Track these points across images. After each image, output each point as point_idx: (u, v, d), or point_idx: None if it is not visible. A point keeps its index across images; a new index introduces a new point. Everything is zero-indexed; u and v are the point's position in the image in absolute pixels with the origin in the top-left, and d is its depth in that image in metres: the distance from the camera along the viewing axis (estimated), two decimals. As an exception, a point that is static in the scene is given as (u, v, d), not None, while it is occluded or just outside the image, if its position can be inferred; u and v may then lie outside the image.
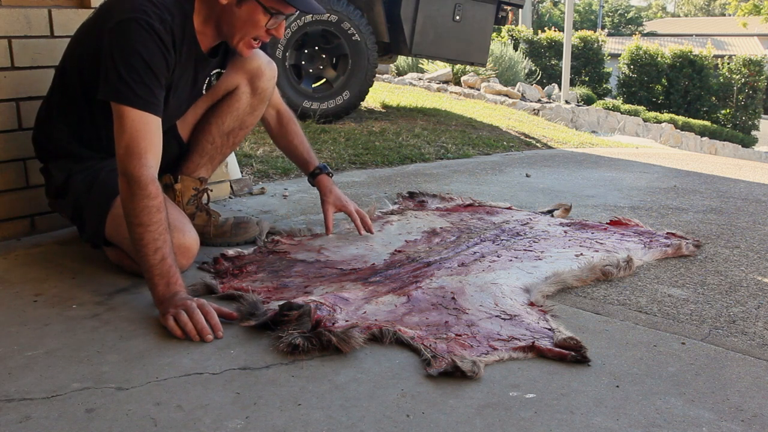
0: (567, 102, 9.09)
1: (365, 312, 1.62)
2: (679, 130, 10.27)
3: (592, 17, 33.61)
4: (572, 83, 12.08)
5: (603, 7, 33.35)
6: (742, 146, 11.54)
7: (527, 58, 12.35)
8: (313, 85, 4.90)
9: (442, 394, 1.32)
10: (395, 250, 2.11)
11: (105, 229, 1.82)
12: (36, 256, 2.00)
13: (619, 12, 37.04)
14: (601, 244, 2.23)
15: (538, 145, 5.22)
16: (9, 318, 1.60)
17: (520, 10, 8.72)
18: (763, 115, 15.49)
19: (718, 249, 2.35)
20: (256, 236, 2.18)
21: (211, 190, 2.21)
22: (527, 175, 3.63)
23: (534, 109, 7.96)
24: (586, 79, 14.58)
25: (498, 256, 2.06)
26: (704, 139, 10.45)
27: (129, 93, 1.64)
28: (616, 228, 2.45)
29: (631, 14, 37.53)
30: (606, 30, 25.55)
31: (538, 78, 11.36)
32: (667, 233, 2.40)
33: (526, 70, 10.79)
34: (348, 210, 2.20)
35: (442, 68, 9.05)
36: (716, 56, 15.40)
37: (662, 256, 2.21)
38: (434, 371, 1.38)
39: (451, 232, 2.32)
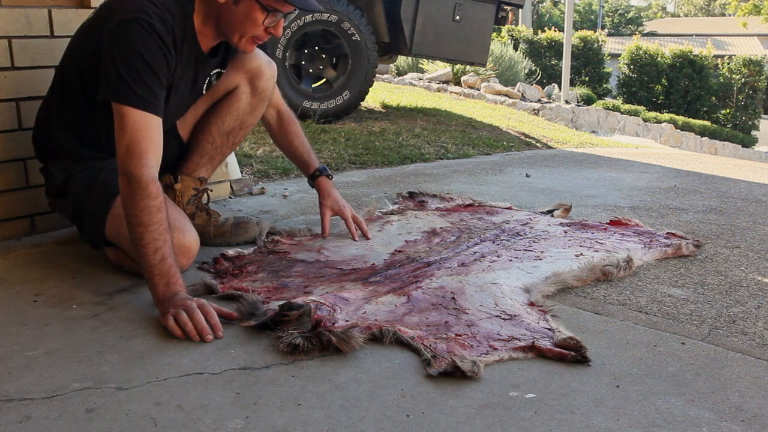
0: (567, 102, 9.09)
1: (365, 312, 1.62)
2: (679, 130, 10.27)
3: (592, 17, 33.62)
4: (572, 83, 12.08)
5: (603, 7, 33.35)
6: (742, 146, 11.54)
7: (527, 58, 12.36)
8: (313, 85, 4.90)
9: (442, 394, 1.32)
10: (395, 250, 2.11)
11: (105, 229, 1.82)
12: (36, 256, 2.00)
13: (619, 12, 37.05)
14: (601, 244, 2.23)
15: (538, 145, 5.22)
16: (9, 318, 1.60)
17: (520, 10, 8.72)
18: (763, 115, 15.49)
19: (718, 249, 2.35)
20: (256, 236, 2.18)
21: (211, 190, 2.21)
22: (527, 175, 3.63)
23: (534, 109, 7.96)
24: (586, 79, 14.58)
25: (498, 256, 2.06)
26: (704, 139, 10.45)
27: (129, 93, 1.64)
28: (616, 228, 2.45)
29: (631, 14, 37.54)
30: (606, 30, 25.56)
31: (538, 78, 11.36)
32: (667, 233, 2.40)
33: (526, 70, 10.79)
34: (344, 215, 2.20)
35: (442, 68, 9.05)
36: (716, 56, 15.41)
37: (662, 256, 2.21)
38: (434, 371, 1.38)
39: (451, 232, 2.32)
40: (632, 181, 3.58)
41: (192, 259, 1.86)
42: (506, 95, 8.32)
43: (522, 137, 5.43)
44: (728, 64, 14.70)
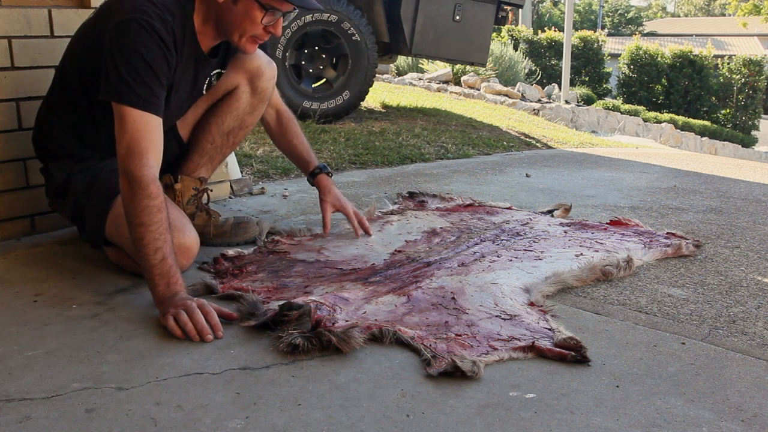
0: (567, 102, 9.09)
1: (365, 312, 1.62)
2: (679, 130, 10.27)
3: (592, 17, 33.61)
4: (572, 83, 12.08)
5: (603, 7, 33.35)
6: (742, 146, 11.54)
7: (527, 58, 12.36)
8: (313, 85, 4.90)
9: (442, 394, 1.32)
10: (395, 250, 2.11)
11: (105, 228, 1.82)
12: (36, 256, 2.00)
13: (619, 12, 37.04)
14: (601, 244, 2.23)
15: (538, 145, 5.22)
16: (9, 318, 1.60)
17: (520, 10, 8.72)
18: (763, 115, 15.49)
19: (718, 249, 2.35)
20: (256, 236, 2.18)
21: (211, 190, 2.21)
22: (527, 175, 3.63)
23: (534, 109, 7.96)
24: (586, 79, 14.58)
25: (498, 256, 2.06)
26: (704, 139, 10.45)
27: (130, 93, 1.64)
28: (616, 228, 2.45)
29: (631, 14, 37.53)
30: (606, 30, 25.56)
31: (538, 78, 11.36)
32: (667, 233, 2.40)
33: (526, 70, 10.79)
34: (346, 211, 2.20)
35: (442, 68, 9.05)
36: (716, 56, 15.40)
37: (662, 256, 2.21)
38: (434, 371, 1.38)
39: (451, 232, 2.32)
40: (632, 181, 3.58)
41: (192, 259, 1.86)
42: (506, 95, 8.32)
43: (522, 137, 5.43)
44: (728, 64, 14.70)
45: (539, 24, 26.41)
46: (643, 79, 14.16)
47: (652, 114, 11.40)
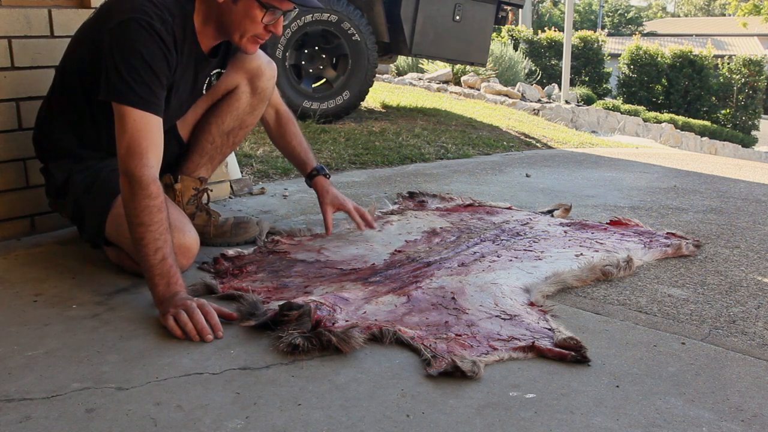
0: (567, 102, 9.09)
1: (365, 312, 1.62)
2: (679, 130, 10.27)
3: (592, 17, 33.61)
4: (572, 83, 12.08)
5: (603, 7, 33.35)
6: (742, 146, 11.54)
7: (527, 58, 12.36)
8: (313, 85, 4.90)
9: (442, 394, 1.32)
10: (395, 250, 2.11)
11: (105, 228, 1.82)
12: (36, 256, 2.00)
13: (619, 12, 37.04)
14: (601, 244, 2.23)
15: (538, 145, 5.22)
16: (9, 318, 1.60)
17: (520, 10, 8.72)
18: (763, 115, 15.49)
19: (718, 249, 2.35)
20: (256, 236, 2.18)
21: (211, 190, 2.21)
22: (527, 175, 3.63)
23: (534, 109, 7.96)
24: (586, 79, 14.58)
25: (498, 256, 2.06)
26: (704, 139, 10.45)
27: (130, 93, 1.64)
28: (616, 228, 2.45)
29: (631, 14, 37.53)
30: (606, 30, 25.55)
31: (538, 78, 11.36)
32: (667, 233, 2.40)
33: (526, 70, 10.79)
34: (346, 208, 2.20)
35: (442, 68, 9.05)
36: (716, 56, 15.40)
37: (662, 256, 2.21)
38: (434, 371, 1.38)
39: (451, 232, 2.32)
40: (632, 181, 3.58)
41: (192, 259, 1.85)
42: (506, 95, 8.32)
43: (522, 137, 5.43)
44: (728, 64, 14.70)
45: (539, 24, 26.42)
46: (643, 79, 14.16)
47: (652, 114, 11.40)
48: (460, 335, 1.53)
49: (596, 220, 2.62)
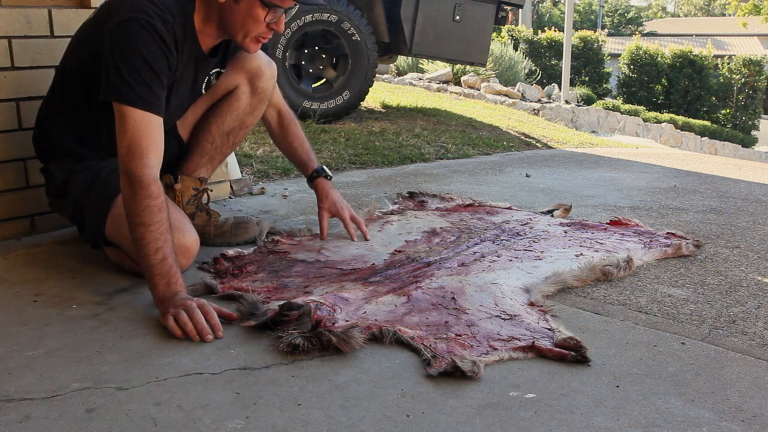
0: (567, 102, 9.09)
1: (365, 312, 1.62)
2: (679, 130, 10.27)
3: (592, 17, 33.60)
4: (572, 83, 12.08)
5: (603, 7, 33.34)
6: (742, 146, 11.54)
7: (527, 58, 12.35)
8: (313, 85, 4.90)
9: (442, 394, 1.32)
10: (395, 250, 2.11)
11: (105, 228, 1.82)
12: (36, 256, 2.01)
13: (619, 12, 37.04)
14: (601, 244, 2.23)
15: (538, 145, 5.22)
16: (9, 318, 1.60)
17: (520, 10, 8.72)
18: (763, 115, 15.49)
19: (718, 249, 2.35)
20: (256, 236, 2.18)
21: (211, 190, 2.21)
22: (527, 175, 3.63)
23: (534, 109, 7.96)
24: (586, 79, 14.58)
25: (498, 256, 2.06)
26: (704, 139, 10.45)
27: (130, 93, 1.64)
28: (616, 228, 2.45)
29: (631, 14, 37.52)
30: (606, 30, 25.54)
31: (538, 78, 11.36)
32: (667, 233, 2.40)
33: (526, 70, 10.79)
34: (342, 216, 2.19)
35: (442, 68, 9.05)
36: (716, 56, 15.40)
37: (662, 256, 2.21)
38: (434, 371, 1.38)
39: (451, 232, 2.32)
40: (632, 181, 3.58)
41: (192, 259, 1.86)
42: (506, 95, 8.32)
43: (522, 137, 5.43)
44: (728, 64, 14.70)
45: (539, 24, 26.41)
46: (643, 79, 14.16)
47: (652, 114, 11.40)
48: (460, 335, 1.53)
49: (596, 220, 2.62)
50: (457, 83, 8.81)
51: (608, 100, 12.18)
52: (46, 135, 1.94)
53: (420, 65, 9.76)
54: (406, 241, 2.22)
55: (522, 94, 8.59)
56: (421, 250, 2.12)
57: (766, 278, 2.07)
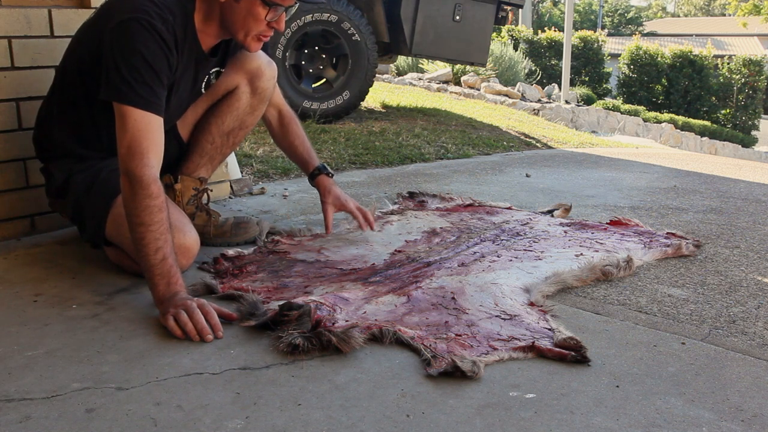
0: (567, 102, 9.09)
1: (365, 312, 1.62)
2: (679, 130, 10.27)
3: (592, 17, 33.60)
4: (572, 83, 12.08)
5: (603, 7, 33.34)
6: (742, 146, 11.54)
7: (527, 58, 12.35)
8: (313, 85, 4.90)
9: (442, 394, 1.32)
10: (395, 250, 2.11)
11: (105, 228, 1.82)
12: (36, 256, 2.01)
13: (619, 12, 37.03)
14: (601, 244, 2.23)
15: (538, 145, 5.22)
16: (9, 318, 1.60)
17: (520, 10, 8.72)
18: (763, 115, 15.49)
19: (718, 249, 2.35)
20: (256, 236, 2.18)
21: (211, 190, 2.21)
22: (527, 175, 3.63)
23: (534, 109, 7.96)
24: (586, 79, 14.58)
25: (498, 256, 2.06)
26: (704, 139, 10.45)
27: (131, 93, 1.64)
28: (616, 228, 2.45)
29: (631, 14, 37.52)
30: (606, 30, 25.55)
31: (538, 78, 11.36)
32: (667, 233, 2.40)
33: (526, 70, 10.79)
34: (348, 208, 2.19)
35: (442, 68, 9.05)
36: (716, 56, 15.40)
37: (662, 256, 2.21)
38: (434, 371, 1.38)
39: (451, 232, 2.32)
40: (632, 181, 3.58)
41: (192, 259, 1.86)
42: (506, 95, 8.32)
43: (522, 137, 5.43)
44: (728, 64, 14.69)
45: (539, 24, 26.41)
46: (643, 79, 14.16)
47: (652, 114, 11.40)
48: (460, 335, 1.53)
49: (596, 220, 2.62)
50: (457, 83, 8.81)
51: (608, 100, 12.18)
52: (46, 135, 1.94)
53: (420, 65, 9.76)
54: (406, 241, 2.22)
55: (522, 94, 8.59)
56: (421, 250, 2.12)
57: (766, 278, 2.07)
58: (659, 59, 14.05)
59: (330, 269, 1.94)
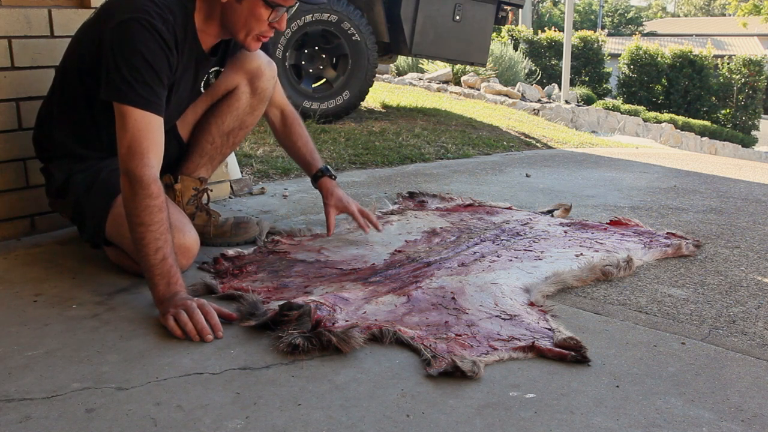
0: (567, 102, 9.09)
1: (365, 312, 1.62)
2: (679, 130, 10.27)
3: (592, 17, 33.60)
4: (572, 83, 12.08)
5: (603, 7, 33.34)
6: (742, 146, 11.54)
7: (527, 58, 12.35)
8: (313, 85, 4.90)
9: (442, 394, 1.32)
10: (395, 250, 2.11)
11: (105, 228, 1.82)
12: (36, 256, 2.00)
13: (619, 12, 37.03)
14: (601, 244, 2.23)
15: (538, 145, 5.22)
16: (9, 318, 1.60)
17: (520, 10, 8.72)
18: (763, 115, 15.49)
19: (718, 249, 2.35)
20: (256, 236, 2.18)
21: (211, 190, 2.21)
22: (527, 175, 3.63)
23: (534, 109, 7.96)
24: (586, 79, 14.58)
25: (498, 256, 2.06)
26: (704, 139, 10.45)
27: (131, 93, 1.64)
28: (616, 228, 2.45)
29: (631, 14, 37.52)
30: (606, 30, 25.55)
31: (538, 78, 11.36)
32: (667, 233, 2.40)
33: (526, 70, 10.79)
34: (350, 211, 2.19)
35: (442, 68, 9.05)
36: (716, 56, 15.40)
37: (662, 256, 2.21)
38: (434, 371, 1.38)
39: (451, 232, 2.32)
40: (632, 181, 3.58)
41: (192, 259, 1.85)
42: (506, 95, 8.32)
43: (522, 137, 5.43)
44: (728, 64, 14.70)
45: (539, 24, 26.41)
46: (643, 79, 14.16)
47: (652, 114, 11.40)
48: (460, 335, 1.53)
49: (596, 220, 2.62)
50: (457, 83, 8.81)
51: (608, 100, 12.18)
52: (47, 135, 1.94)
53: (420, 65, 9.76)
54: (406, 241, 2.22)
55: (522, 94, 8.59)
56: (421, 250, 2.12)
57: (766, 278, 2.07)
58: (659, 59, 14.05)
59: (330, 269, 1.94)
